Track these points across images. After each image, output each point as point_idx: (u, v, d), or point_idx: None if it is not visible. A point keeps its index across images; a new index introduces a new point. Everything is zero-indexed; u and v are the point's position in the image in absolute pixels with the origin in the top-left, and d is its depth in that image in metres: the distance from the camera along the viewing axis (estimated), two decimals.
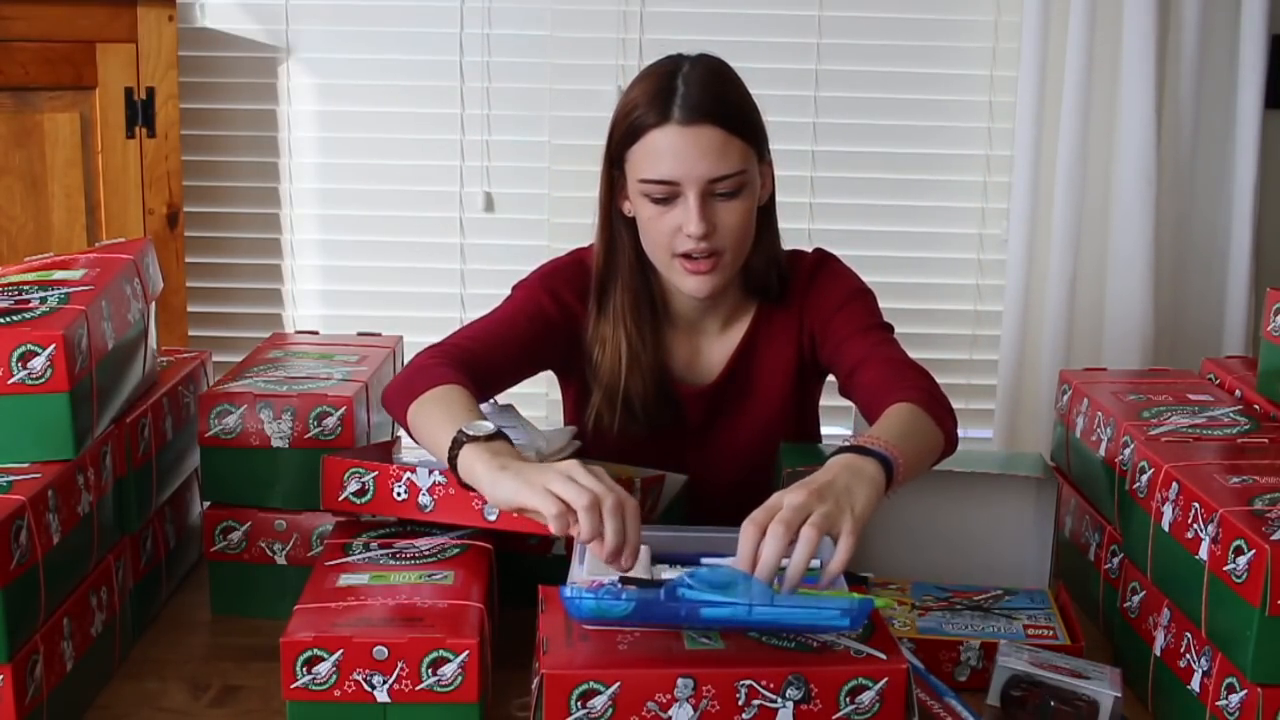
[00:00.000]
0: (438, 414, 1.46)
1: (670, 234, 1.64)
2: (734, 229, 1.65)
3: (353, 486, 1.51)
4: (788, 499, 1.25)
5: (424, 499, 1.47)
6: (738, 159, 1.62)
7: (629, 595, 1.23)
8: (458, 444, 1.38)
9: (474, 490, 1.38)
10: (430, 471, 1.47)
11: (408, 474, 1.48)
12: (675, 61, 1.67)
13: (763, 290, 1.77)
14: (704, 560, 1.41)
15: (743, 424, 1.80)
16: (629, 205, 1.70)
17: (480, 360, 1.62)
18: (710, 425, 1.80)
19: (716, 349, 1.79)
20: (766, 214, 1.73)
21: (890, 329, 1.74)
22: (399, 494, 1.48)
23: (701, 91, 1.62)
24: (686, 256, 1.65)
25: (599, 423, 1.75)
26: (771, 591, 1.23)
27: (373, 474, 1.50)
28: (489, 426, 1.39)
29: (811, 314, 1.76)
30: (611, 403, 1.73)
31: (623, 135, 1.66)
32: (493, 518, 1.44)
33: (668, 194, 1.63)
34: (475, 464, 1.35)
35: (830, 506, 1.25)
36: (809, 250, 1.82)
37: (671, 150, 1.61)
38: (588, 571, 1.36)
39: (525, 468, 1.33)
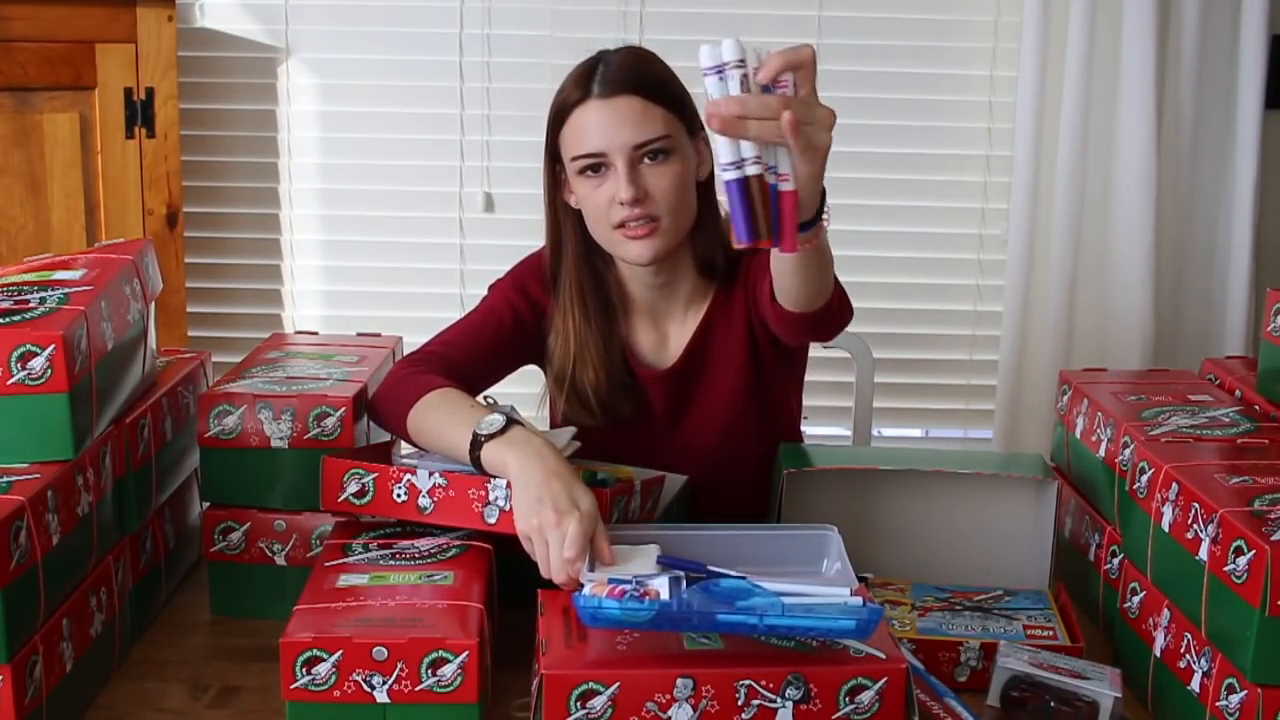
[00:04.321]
0: (444, 417, 1.55)
1: (607, 206, 1.68)
2: (666, 192, 1.68)
3: (352, 488, 1.51)
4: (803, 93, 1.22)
5: (424, 500, 1.47)
6: (660, 124, 1.67)
7: (650, 603, 1.24)
8: (477, 445, 1.47)
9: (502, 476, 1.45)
10: (430, 473, 1.48)
11: (408, 475, 1.48)
12: (600, 53, 1.74)
13: (709, 269, 1.79)
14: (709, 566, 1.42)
15: (706, 410, 1.81)
16: (573, 196, 1.74)
17: (458, 365, 1.69)
18: (676, 413, 1.82)
19: (679, 334, 1.82)
20: (708, 190, 1.76)
21: None
22: (399, 495, 1.48)
23: (620, 69, 1.68)
24: (624, 226, 1.68)
25: (551, 412, 1.80)
26: (782, 602, 1.26)
27: (373, 475, 1.50)
28: (500, 420, 1.47)
29: (750, 279, 1.77)
30: (561, 392, 1.78)
31: (553, 121, 1.72)
32: (492, 520, 1.44)
33: (598, 166, 1.68)
34: (505, 456, 1.44)
35: (822, 125, 1.23)
36: None
37: (595, 123, 1.67)
38: (597, 573, 1.36)
39: (531, 487, 1.40)
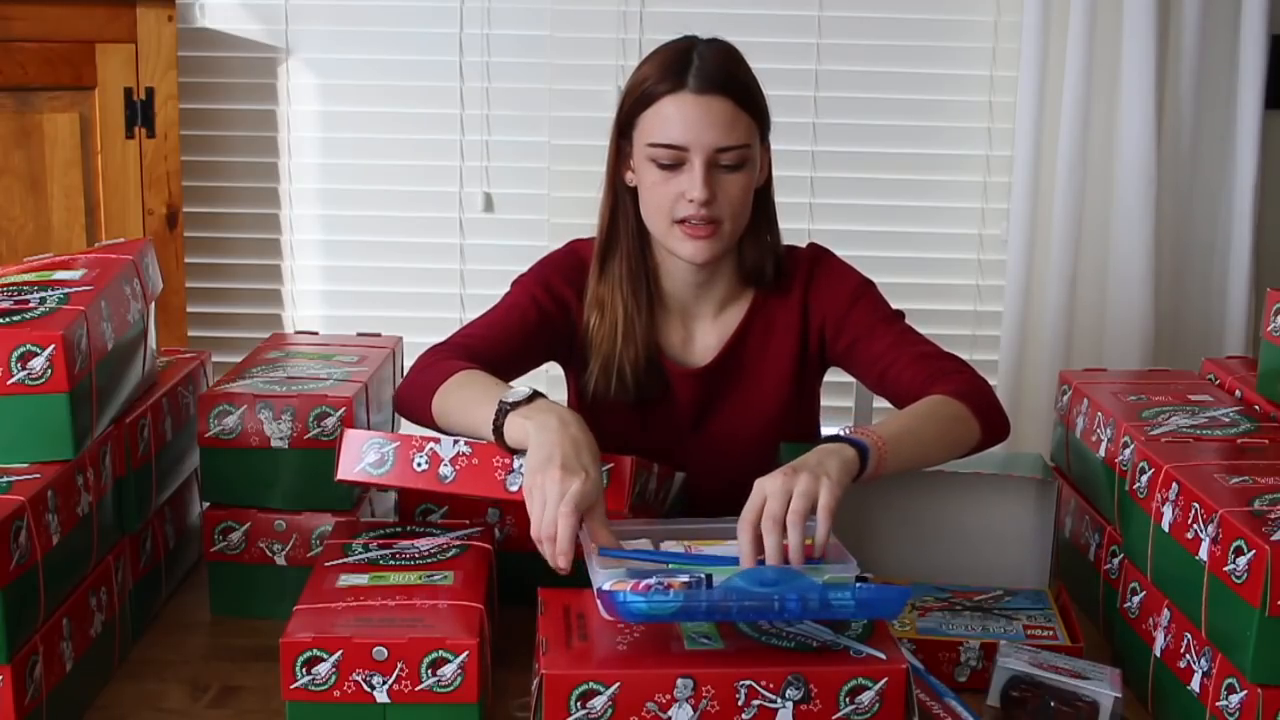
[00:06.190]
0: (469, 395, 1.53)
1: (673, 200, 1.68)
2: (734, 200, 1.69)
3: (371, 457, 1.49)
4: (768, 487, 1.36)
5: (445, 470, 1.46)
6: (744, 133, 1.67)
7: (675, 595, 1.24)
8: (502, 413, 1.44)
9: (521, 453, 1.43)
10: (455, 441, 1.47)
11: (431, 444, 1.47)
12: (690, 39, 1.74)
13: (757, 277, 1.79)
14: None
15: (738, 413, 1.81)
16: (631, 175, 1.73)
17: (483, 354, 1.66)
18: (704, 412, 1.81)
19: (710, 334, 1.81)
20: (762, 198, 1.76)
21: (903, 316, 1.79)
22: (419, 464, 1.47)
23: (716, 66, 1.68)
24: (686, 222, 1.68)
25: (596, 390, 1.78)
26: (821, 586, 1.28)
27: (394, 444, 1.48)
28: (526, 390, 1.46)
29: (819, 309, 1.78)
30: (606, 370, 1.76)
31: (635, 101, 1.70)
32: (514, 488, 1.43)
33: (674, 159, 1.66)
34: (527, 424, 1.41)
35: (807, 480, 1.36)
36: (802, 246, 1.84)
37: (683, 116, 1.66)
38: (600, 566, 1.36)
39: (543, 447, 1.37)
